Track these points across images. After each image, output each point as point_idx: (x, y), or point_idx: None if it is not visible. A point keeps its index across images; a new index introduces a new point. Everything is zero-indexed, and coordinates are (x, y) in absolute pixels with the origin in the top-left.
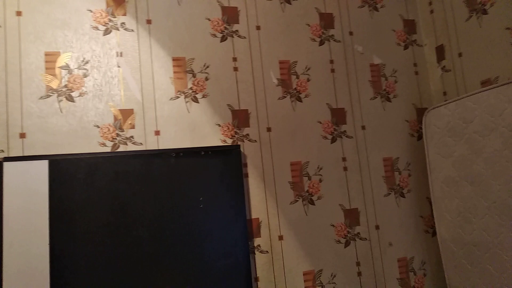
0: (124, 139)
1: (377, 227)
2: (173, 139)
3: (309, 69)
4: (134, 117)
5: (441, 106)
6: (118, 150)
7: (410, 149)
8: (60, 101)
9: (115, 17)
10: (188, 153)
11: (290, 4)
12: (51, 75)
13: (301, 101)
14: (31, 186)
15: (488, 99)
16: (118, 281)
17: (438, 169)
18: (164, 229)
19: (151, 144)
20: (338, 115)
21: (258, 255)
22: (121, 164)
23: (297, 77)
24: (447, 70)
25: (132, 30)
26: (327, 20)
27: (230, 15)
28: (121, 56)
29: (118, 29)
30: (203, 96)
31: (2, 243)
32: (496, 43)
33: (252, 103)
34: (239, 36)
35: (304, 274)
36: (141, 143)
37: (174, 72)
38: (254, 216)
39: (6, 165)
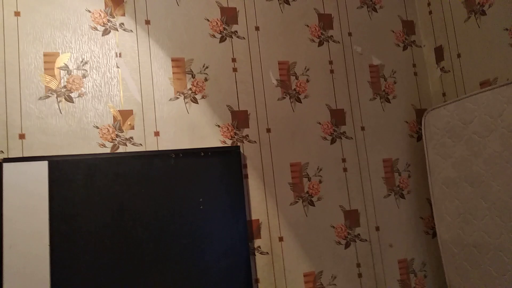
0: (123, 140)
1: (377, 228)
2: (173, 140)
3: (308, 70)
4: (133, 118)
5: (440, 107)
6: (118, 151)
7: (410, 150)
8: (59, 101)
9: (113, 18)
10: (188, 154)
11: (289, 4)
12: (50, 75)
13: (301, 102)
14: (30, 187)
15: (487, 100)
16: (118, 282)
17: (438, 170)
18: (163, 230)
19: (151, 145)
20: (338, 116)
21: (258, 257)
22: (120, 165)
23: (297, 78)
24: (446, 71)
25: (131, 31)
26: (326, 21)
27: (229, 15)
28: (120, 56)
29: (117, 30)
30: (203, 97)
31: (2, 244)
32: (495, 44)
33: (251, 104)
34: (238, 37)
35: (304, 276)
36: (140, 144)
37: (173, 73)
38: (254, 217)
39: (6, 166)
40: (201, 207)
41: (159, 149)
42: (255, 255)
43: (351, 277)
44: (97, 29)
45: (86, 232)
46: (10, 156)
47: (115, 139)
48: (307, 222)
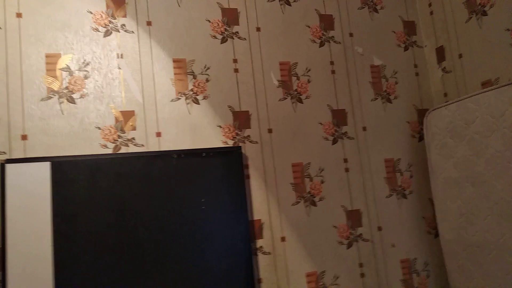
0: (125, 140)
1: (379, 228)
2: (174, 140)
3: (309, 70)
4: (135, 118)
5: (442, 107)
6: (120, 151)
7: (412, 150)
8: (61, 102)
9: (115, 19)
10: (190, 155)
11: (290, 5)
12: (52, 76)
13: (302, 103)
14: (33, 187)
15: (489, 100)
16: (120, 282)
17: (439, 170)
18: (165, 231)
19: (153, 145)
20: (339, 116)
21: (260, 257)
22: (122, 165)
23: (298, 79)
24: (447, 71)
25: (133, 32)
26: (327, 22)
27: (230, 16)
28: (121, 57)
29: (118, 31)
30: (204, 98)
31: (6, 245)
32: (496, 44)
33: (253, 104)
34: (239, 38)
35: (306, 276)
36: (142, 145)
37: (175, 74)
38: (256, 217)
39: (8, 167)
40: (203, 208)
41: (161, 149)
42: (257, 255)
43: (354, 277)
44: (98, 31)
45: (88, 232)
46: (12, 157)
47: (117, 140)
48: (309, 222)
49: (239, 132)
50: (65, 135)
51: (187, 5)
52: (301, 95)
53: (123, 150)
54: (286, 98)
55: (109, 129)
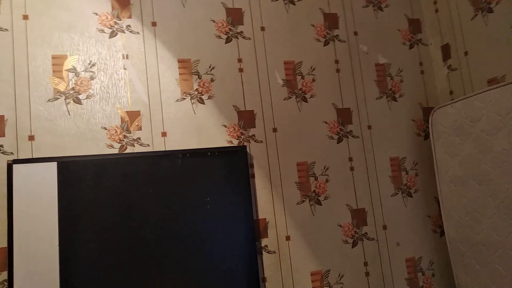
0: (131, 140)
1: (384, 227)
2: (180, 140)
3: (314, 69)
4: (141, 119)
5: (447, 105)
6: (126, 151)
7: (417, 148)
8: (67, 103)
9: (120, 20)
10: (195, 154)
11: (294, 4)
12: (58, 78)
13: (307, 102)
14: (40, 187)
15: (495, 98)
16: (126, 281)
17: (445, 168)
18: (171, 230)
19: (158, 145)
20: (344, 115)
21: (265, 256)
22: (128, 165)
23: (302, 78)
24: (453, 69)
25: (138, 33)
26: (331, 20)
27: (235, 16)
28: (127, 58)
29: (123, 32)
30: (209, 98)
31: (13, 245)
32: (502, 42)
33: (257, 104)
34: (243, 37)
35: (311, 274)
36: (148, 145)
37: (180, 74)
38: (261, 216)
39: (16, 167)
40: (208, 207)
41: (166, 149)
42: (262, 254)
43: (359, 276)
44: (104, 32)
45: (95, 232)
46: (19, 158)
47: (123, 140)
48: (314, 221)
49: (244, 132)
50: (72, 136)
51: (192, 5)
52: (305, 94)
53: (129, 150)
54: (291, 97)
55: (115, 129)
